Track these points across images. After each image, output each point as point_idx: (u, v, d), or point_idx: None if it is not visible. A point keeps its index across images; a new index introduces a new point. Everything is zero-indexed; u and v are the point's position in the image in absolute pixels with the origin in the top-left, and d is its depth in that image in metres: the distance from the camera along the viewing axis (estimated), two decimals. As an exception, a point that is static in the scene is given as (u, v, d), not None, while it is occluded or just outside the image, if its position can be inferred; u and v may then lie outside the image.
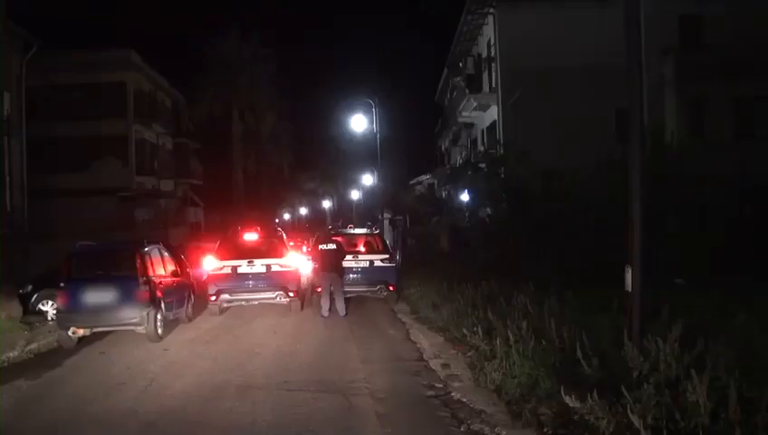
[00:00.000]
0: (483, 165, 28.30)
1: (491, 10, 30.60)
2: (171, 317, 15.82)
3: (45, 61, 31.38)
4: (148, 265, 14.88)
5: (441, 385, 10.14)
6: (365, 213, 52.30)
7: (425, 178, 52.32)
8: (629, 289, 8.08)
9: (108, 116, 42.35)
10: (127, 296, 14.18)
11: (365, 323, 16.71)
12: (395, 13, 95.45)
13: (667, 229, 19.34)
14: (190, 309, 17.47)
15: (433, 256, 27.38)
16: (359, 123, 33.14)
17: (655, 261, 17.14)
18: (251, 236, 19.83)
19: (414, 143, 53.73)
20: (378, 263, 19.29)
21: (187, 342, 14.57)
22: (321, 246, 18.18)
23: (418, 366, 11.59)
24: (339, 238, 20.69)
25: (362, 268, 19.29)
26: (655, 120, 25.74)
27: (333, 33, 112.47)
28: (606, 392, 6.92)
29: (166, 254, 16.52)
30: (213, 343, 14.41)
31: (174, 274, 16.47)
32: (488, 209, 27.30)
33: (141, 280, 14.34)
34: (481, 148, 34.41)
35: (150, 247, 15.53)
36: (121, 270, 14.76)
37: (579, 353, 8.11)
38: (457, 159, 38.12)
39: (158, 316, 14.52)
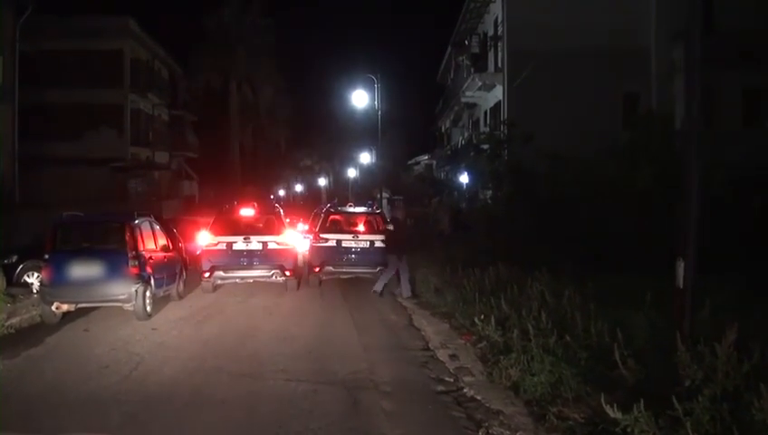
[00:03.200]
0: (485, 146, 27.48)
1: (499, -15, 29.57)
2: (161, 294, 14.92)
3: (41, 25, 30.34)
4: (138, 238, 13.95)
5: (451, 379, 9.30)
6: (362, 192, 51.44)
7: (423, 158, 51.41)
8: (680, 285, 7.16)
9: (103, 85, 41.07)
10: (115, 271, 13.30)
11: (364, 306, 15.80)
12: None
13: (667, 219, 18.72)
14: (182, 286, 16.57)
15: (433, 238, 26.51)
16: (360, 99, 32.16)
17: (663, 252, 16.65)
18: (247, 212, 19.22)
19: (413, 123, 52.77)
20: (378, 244, 18.38)
21: (177, 321, 13.66)
22: (389, 227, 17.85)
23: (425, 356, 10.73)
24: (337, 217, 19.91)
25: (362, 249, 18.43)
26: (663, 107, 24.99)
27: (336, 7, 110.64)
28: (649, 402, 6.05)
29: (157, 227, 15.56)
30: (204, 323, 13.52)
31: (165, 248, 15.56)
32: (490, 192, 26.53)
33: (130, 254, 13.45)
34: (484, 129, 33.49)
35: (141, 220, 14.57)
36: (109, 243, 13.85)
37: (616, 354, 7.20)
38: (459, 139, 37.20)
39: (148, 293, 13.61)
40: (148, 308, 13.62)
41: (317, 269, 18.30)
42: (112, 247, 13.67)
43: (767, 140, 26.04)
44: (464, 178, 33.23)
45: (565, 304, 10.12)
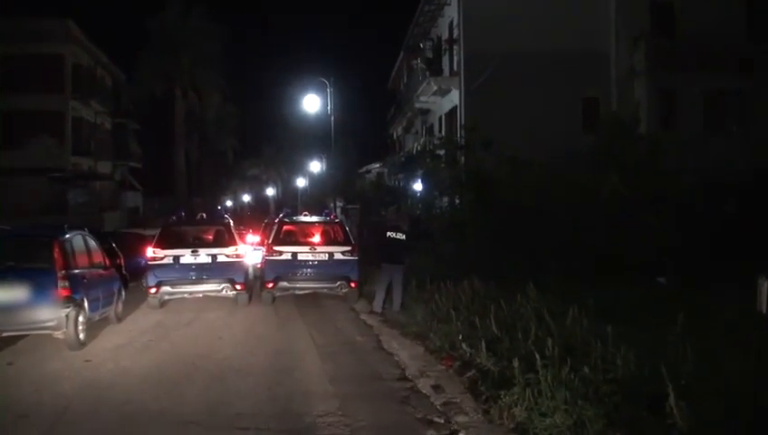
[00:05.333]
0: (441, 152, 26.11)
1: (455, -12, 28.23)
2: (97, 318, 12.98)
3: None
4: (70, 255, 12.04)
5: (441, 419, 7.68)
6: (312, 201, 49.57)
7: (374, 166, 49.71)
8: (764, 310, 5.62)
9: (44, 91, 38.92)
10: (42, 294, 11.34)
11: (326, 326, 14.08)
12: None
13: (643, 226, 17.65)
14: (120, 307, 14.61)
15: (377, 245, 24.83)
16: (312, 103, 30.42)
17: (628, 258, 15.42)
18: (195, 224, 18.20)
19: (365, 130, 51.18)
20: (338, 256, 16.65)
21: (114, 350, 11.75)
22: (389, 234, 15.65)
23: (404, 389, 9.07)
24: (292, 227, 18.25)
25: (320, 262, 16.66)
26: (622, 111, 24.06)
27: (284, 13, 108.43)
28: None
29: (92, 242, 13.63)
30: (145, 351, 11.63)
31: (101, 265, 13.65)
32: (446, 199, 25.23)
33: (60, 274, 11.50)
34: (439, 135, 32.07)
35: (72, 234, 12.65)
36: (36, 261, 11.79)
37: (671, 399, 5.66)
38: (414, 146, 35.64)
39: (81, 318, 11.73)
40: (81, 335, 11.73)
41: (270, 285, 16.52)
42: (39, 266, 11.66)
43: (730, 145, 25.25)
44: (418, 186, 31.79)
45: (570, 324, 8.60)
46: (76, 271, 12.07)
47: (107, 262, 14.05)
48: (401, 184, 38.89)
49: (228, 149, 55.70)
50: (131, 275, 18.96)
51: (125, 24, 79.96)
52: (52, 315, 11.33)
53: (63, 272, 11.57)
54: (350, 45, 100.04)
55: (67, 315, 11.38)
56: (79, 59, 42.03)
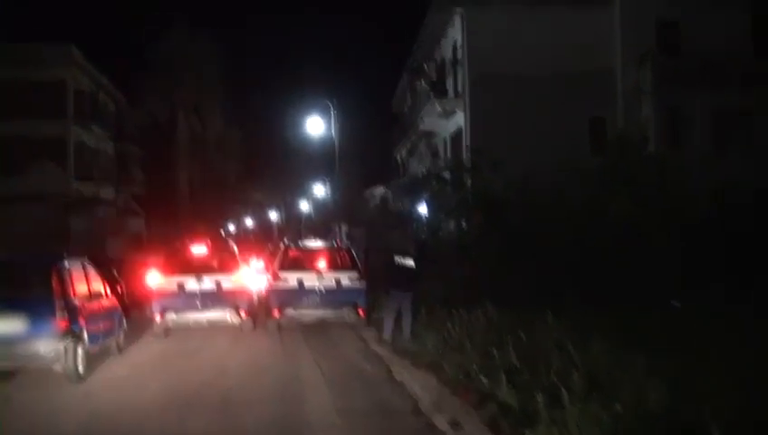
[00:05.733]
0: (447, 174, 25.70)
1: (458, 9, 27.94)
2: (97, 349, 12.49)
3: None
4: (69, 284, 11.59)
5: (463, 461, 7.18)
6: (315, 225, 49.14)
7: (378, 189, 49.30)
8: None
9: (45, 116, 38.55)
10: (39, 325, 10.86)
11: (333, 355, 13.59)
12: (351, 14, 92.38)
13: (653, 247, 17.19)
14: (122, 337, 14.12)
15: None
16: (315, 126, 30.00)
17: (642, 280, 14.93)
18: (199, 250, 17.54)
19: (368, 153, 50.65)
20: (345, 282, 16.19)
21: (115, 382, 11.30)
22: (396, 259, 15.00)
23: (420, 425, 8.56)
24: (297, 253, 17.80)
25: (326, 288, 16.17)
26: (629, 130, 23.73)
27: (287, 36, 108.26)
28: None
29: (91, 270, 13.17)
30: (147, 385, 11.11)
31: (101, 294, 13.20)
32: (452, 223, 24.81)
33: (58, 304, 11.06)
34: (444, 157, 31.69)
35: (72, 262, 12.21)
36: (33, 291, 11.37)
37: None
38: (419, 169, 35.23)
39: (80, 351, 11.25)
40: (81, 368, 11.24)
41: (276, 313, 16.04)
42: (37, 296, 11.23)
43: (738, 162, 24.79)
44: (422, 209, 31.31)
45: (596, 355, 8.11)
46: (75, 301, 11.62)
47: (107, 290, 13.56)
48: (406, 207, 38.52)
49: (231, 173, 55.25)
50: (133, 303, 18.56)
51: (127, 48, 79.49)
52: (49, 348, 10.83)
53: (62, 302, 11.12)
54: (353, 67, 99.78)
55: (65, 348, 10.91)
56: (81, 84, 41.75)
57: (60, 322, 10.96)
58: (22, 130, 37.05)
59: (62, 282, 11.34)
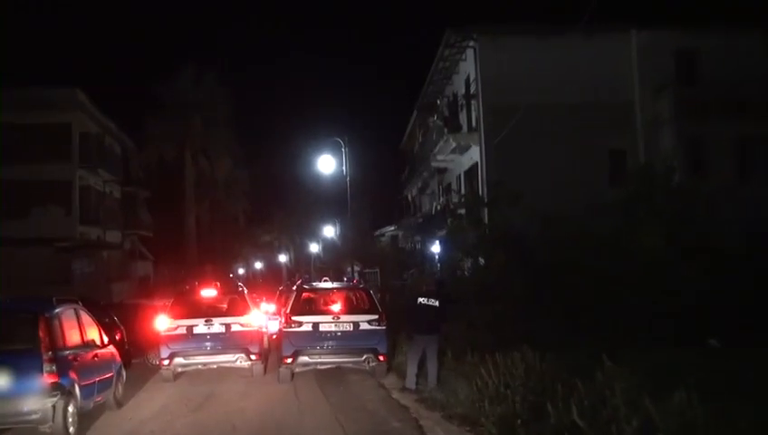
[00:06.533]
0: (462, 211, 24.50)
1: (471, 43, 26.86)
2: (91, 405, 11.05)
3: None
4: (58, 333, 10.21)
5: None
6: (327, 266, 47.73)
7: (388, 229, 47.99)
8: None
9: (50, 160, 37.37)
10: (24, 381, 9.49)
11: (354, 408, 12.06)
12: (356, 55, 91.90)
13: (680, 280, 15.84)
14: (120, 389, 12.60)
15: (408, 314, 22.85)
16: (326, 164, 28.72)
17: (667, 317, 13.47)
18: (209, 293, 16.80)
19: (378, 193, 49.54)
20: (364, 325, 14.63)
21: (109, 445, 9.86)
22: (420, 300, 13.69)
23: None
24: (311, 294, 16.38)
25: (343, 332, 14.61)
26: (650, 162, 22.57)
27: (297, 77, 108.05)
28: None
29: (86, 316, 11.77)
30: (146, 446, 9.71)
31: (97, 343, 11.76)
32: (469, 261, 23.53)
33: (46, 356, 9.67)
34: (457, 194, 30.42)
35: (62, 308, 10.80)
36: (18, 341, 9.97)
37: None
38: (434, 205, 33.96)
39: (70, 408, 9.86)
40: (72, 429, 9.83)
41: (289, 360, 14.48)
42: (21, 347, 9.85)
43: (764, 192, 23.48)
44: (435, 248, 30.02)
45: (679, 409, 6.65)
46: (66, 352, 10.24)
47: (104, 339, 12.12)
48: (418, 247, 37.21)
49: (240, 214, 53.89)
50: (136, 350, 17.21)
51: (134, 91, 79.22)
52: (36, 406, 9.47)
53: (50, 354, 9.74)
54: (362, 107, 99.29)
55: (54, 406, 9.53)
56: (86, 127, 40.68)
57: (47, 377, 9.59)
58: (26, 174, 35.88)
59: (50, 331, 9.95)
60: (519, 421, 8.99)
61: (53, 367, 9.67)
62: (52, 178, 37.57)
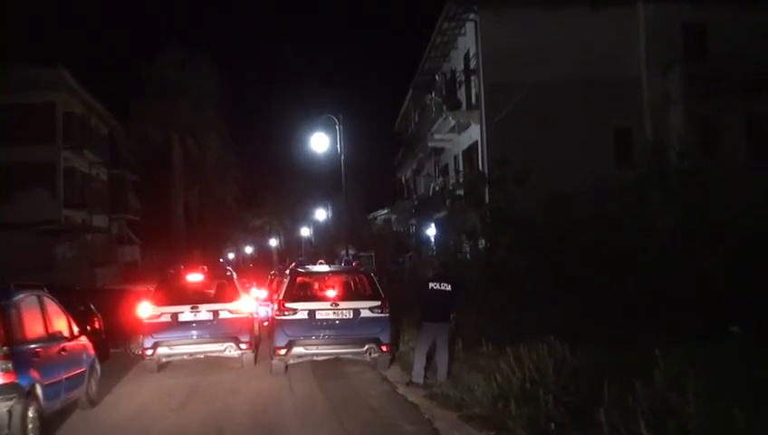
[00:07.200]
0: (460, 192, 23.09)
1: (472, 16, 25.28)
2: (58, 406, 9.52)
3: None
4: (16, 325, 8.67)
5: None
6: (318, 250, 46.19)
7: (381, 213, 46.48)
8: None
9: (34, 141, 35.58)
10: (-27, 381, 7.99)
11: (357, 407, 10.55)
12: (348, 35, 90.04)
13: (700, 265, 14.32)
14: (94, 386, 11.06)
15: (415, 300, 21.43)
16: (319, 143, 27.13)
17: (689, 303, 12.08)
18: (195, 277, 15.72)
19: (371, 175, 47.99)
20: (365, 313, 13.10)
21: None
22: (431, 285, 12.15)
23: None
24: (307, 279, 14.93)
25: (343, 320, 13.09)
26: (660, 139, 21.28)
27: (289, 56, 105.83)
28: None
29: (52, 305, 10.21)
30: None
31: (67, 335, 10.20)
32: (469, 243, 22.18)
33: (1, 353, 8.15)
34: (454, 175, 28.97)
35: (22, 296, 9.24)
36: (-32, 336, 8.46)
37: None
38: (431, 187, 32.41)
39: (31, 412, 8.34)
40: (32, 435, 8.32)
41: (283, 351, 12.95)
42: (-29, 343, 8.33)
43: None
44: (431, 231, 28.62)
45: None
46: (25, 346, 8.71)
47: (74, 329, 10.55)
48: (413, 230, 35.75)
49: (229, 199, 52.19)
50: (117, 339, 15.74)
51: (121, 71, 77.09)
52: (-13, 410, 7.95)
53: (5, 350, 8.21)
54: (354, 88, 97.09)
55: (10, 410, 8.03)
56: (71, 107, 38.92)
57: (2, 376, 8.07)
58: (9, 156, 34.13)
59: (5, 323, 8.40)
60: (553, 425, 7.59)
61: (9, 365, 8.15)
62: (35, 160, 35.89)
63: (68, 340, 10.15)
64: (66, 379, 9.68)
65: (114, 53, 75.92)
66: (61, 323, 10.16)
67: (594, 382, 7.80)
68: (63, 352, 9.81)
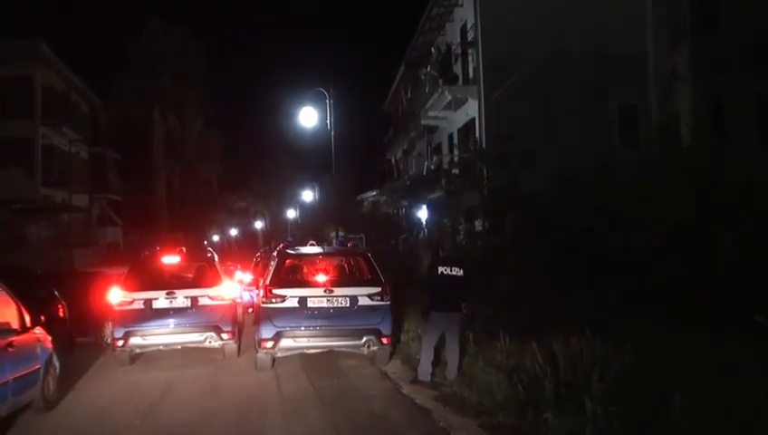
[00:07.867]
0: (455, 171, 21.74)
1: (470, -16, 23.74)
2: (5, 413, 7.91)
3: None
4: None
5: None
6: (304, 233, 44.56)
7: (370, 194, 44.87)
8: None
9: (10, 116, 33.55)
10: None
11: (357, 410, 8.99)
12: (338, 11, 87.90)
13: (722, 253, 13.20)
14: (51, 385, 9.41)
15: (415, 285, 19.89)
16: (308, 118, 25.47)
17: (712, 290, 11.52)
18: (171, 260, 14.18)
19: (359, 156, 46.36)
20: (364, 300, 11.48)
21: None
22: (441, 269, 10.56)
23: None
24: (297, 261, 13.32)
25: (338, 309, 11.47)
26: (667, 117, 20.06)
27: (272, 32, 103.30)
28: None
29: (2, 292, 8.55)
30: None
31: (13, 328, 8.51)
32: (465, 225, 20.89)
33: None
34: (448, 154, 27.46)
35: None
36: None
37: None
38: (425, 166, 30.86)
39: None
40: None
41: (270, 344, 11.37)
42: None
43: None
44: (422, 213, 27.15)
45: None
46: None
47: (26, 320, 8.88)
48: (403, 211, 34.25)
49: (214, 179, 50.42)
50: (86, 327, 14.11)
51: (101, 46, 74.59)
52: None
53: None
54: (342, 67, 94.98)
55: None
56: (51, 82, 37.03)
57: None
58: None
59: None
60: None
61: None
62: (11, 135, 33.96)
63: (18, 333, 8.48)
64: (15, 379, 8.04)
65: (96, 28, 73.63)
66: (9, 314, 8.51)
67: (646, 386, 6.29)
68: (11, 349, 8.14)
